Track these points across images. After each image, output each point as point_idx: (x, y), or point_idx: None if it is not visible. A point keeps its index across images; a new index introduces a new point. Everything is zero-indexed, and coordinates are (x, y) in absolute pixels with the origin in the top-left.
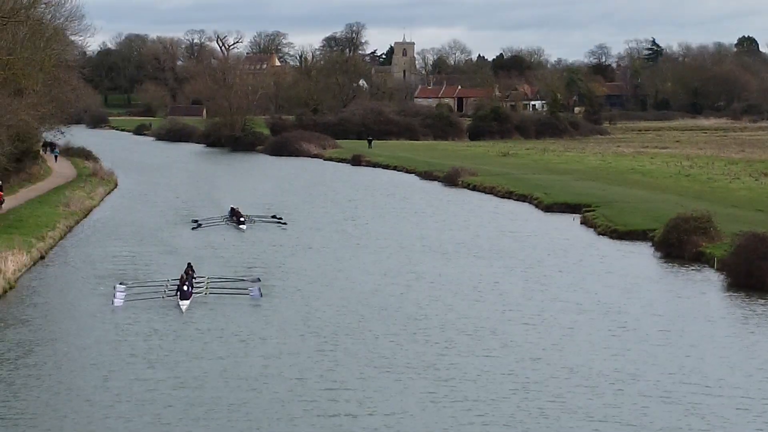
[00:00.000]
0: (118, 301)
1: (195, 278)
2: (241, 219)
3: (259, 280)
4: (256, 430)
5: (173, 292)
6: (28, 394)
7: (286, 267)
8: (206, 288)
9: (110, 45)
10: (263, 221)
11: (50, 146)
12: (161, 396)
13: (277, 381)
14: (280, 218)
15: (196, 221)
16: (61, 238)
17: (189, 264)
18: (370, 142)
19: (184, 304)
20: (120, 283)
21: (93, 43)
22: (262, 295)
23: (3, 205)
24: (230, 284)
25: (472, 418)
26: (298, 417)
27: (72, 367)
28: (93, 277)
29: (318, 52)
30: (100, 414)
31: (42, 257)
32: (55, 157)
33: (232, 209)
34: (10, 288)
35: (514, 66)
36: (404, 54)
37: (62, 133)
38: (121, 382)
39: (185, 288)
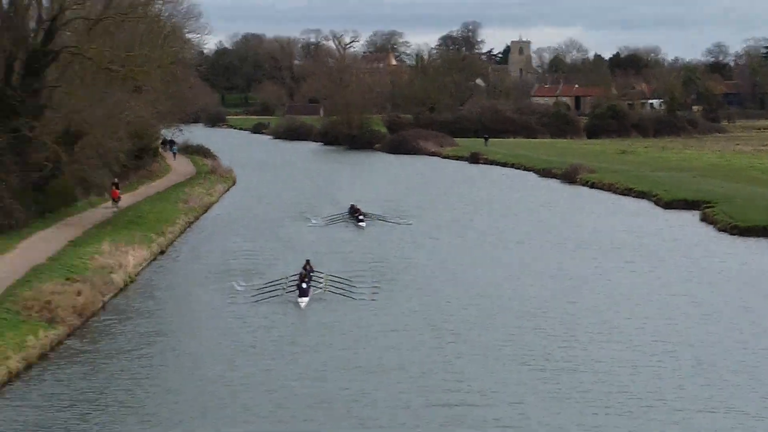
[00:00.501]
0: (239, 287)
1: (313, 274)
2: (361, 216)
3: (376, 286)
4: (376, 420)
5: (292, 289)
6: (150, 384)
7: (406, 263)
8: (325, 285)
9: (227, 45)
10: (384, 220)
11: (169, 144)
12: (282, 386)
13: (398, 372)
14: (403, 220)
15: (313, 219)
16: (181, 233)
17: (307, 261)
18: (486, 140)
19: (303, 300)
20: (239, 282)
21: (210, 42)
22: (374, 299)
23: (120, 203)
24: (347, 284)
25: (595, 409)
26: (418, 406)
27: (192, 359)
28: (212, 272)
29: (434, 51)
30: (220, 403)
31: (162, 252)
32: (174, 154)
33: (352, 206)
34: (131, 282)
35: (631, 65)
36: (521, 53)
37: (180, 130)
38: (241, 373)
39: (303, 285)
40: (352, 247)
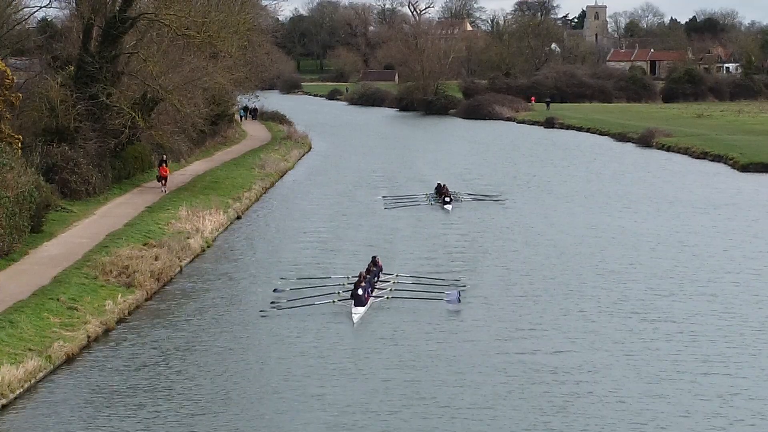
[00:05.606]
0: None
1: (379, 277)
2: (447, 198)
3: (464, 286)
4: (450, 368)
5: (347, 296)
6: (231, 344)
7: (498, 253)
8: (391, 289)
9: (303, 11)
10: (474, 199)
11: (252, 112)
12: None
13: (479, 330)
14: (492, 195)
15: (385, 198)
16: (257, 199)
17: (373, 258)
18: (548, 104)
19: (358, 312)
20: (276, 289)
21: (286, 9)
22: (460, 301)
23: (166, 181)
24: (423, 286)
25: (674, 356)
26: (492, 356)
27: (271, 320)
28: (288, 240)
29: (510, 17)
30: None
31: (239, 217)
32: (241, 117)
33: (439, 185)
34: (208, 246)
35: (707, 29)
36: (596, 17)
37: (257, 97)
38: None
39: (360, 292)
40: (432, 236)
